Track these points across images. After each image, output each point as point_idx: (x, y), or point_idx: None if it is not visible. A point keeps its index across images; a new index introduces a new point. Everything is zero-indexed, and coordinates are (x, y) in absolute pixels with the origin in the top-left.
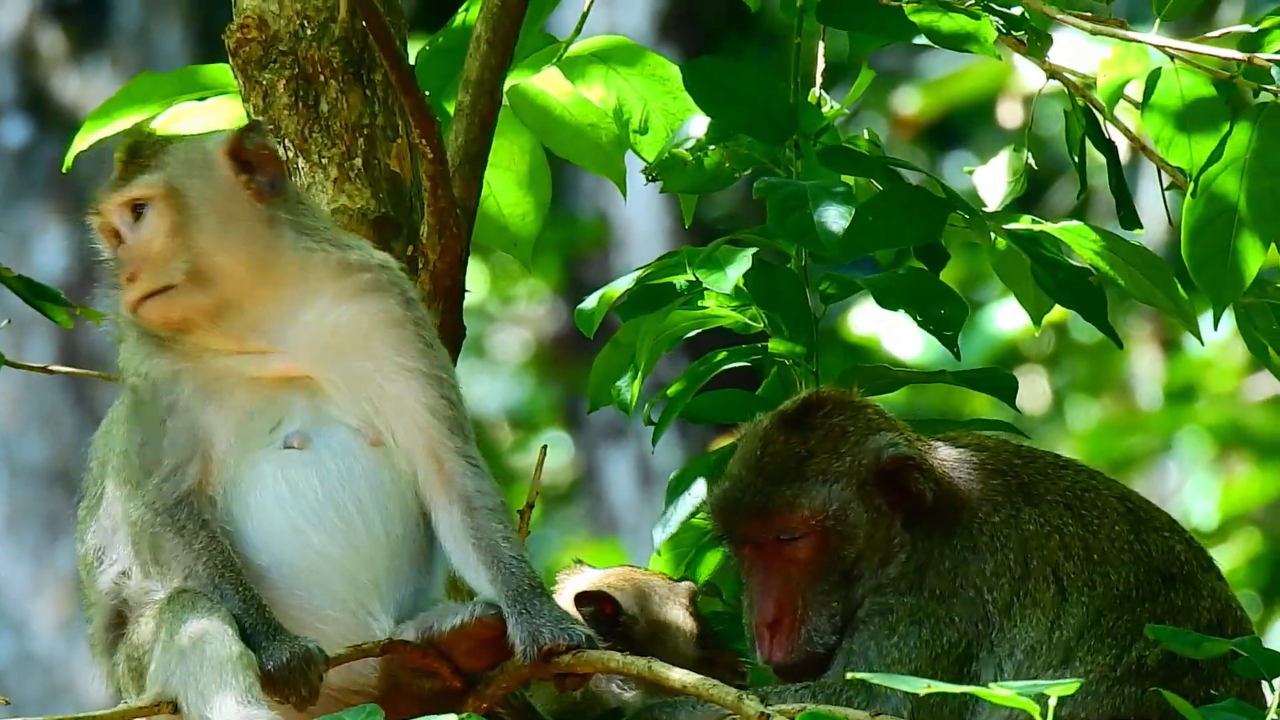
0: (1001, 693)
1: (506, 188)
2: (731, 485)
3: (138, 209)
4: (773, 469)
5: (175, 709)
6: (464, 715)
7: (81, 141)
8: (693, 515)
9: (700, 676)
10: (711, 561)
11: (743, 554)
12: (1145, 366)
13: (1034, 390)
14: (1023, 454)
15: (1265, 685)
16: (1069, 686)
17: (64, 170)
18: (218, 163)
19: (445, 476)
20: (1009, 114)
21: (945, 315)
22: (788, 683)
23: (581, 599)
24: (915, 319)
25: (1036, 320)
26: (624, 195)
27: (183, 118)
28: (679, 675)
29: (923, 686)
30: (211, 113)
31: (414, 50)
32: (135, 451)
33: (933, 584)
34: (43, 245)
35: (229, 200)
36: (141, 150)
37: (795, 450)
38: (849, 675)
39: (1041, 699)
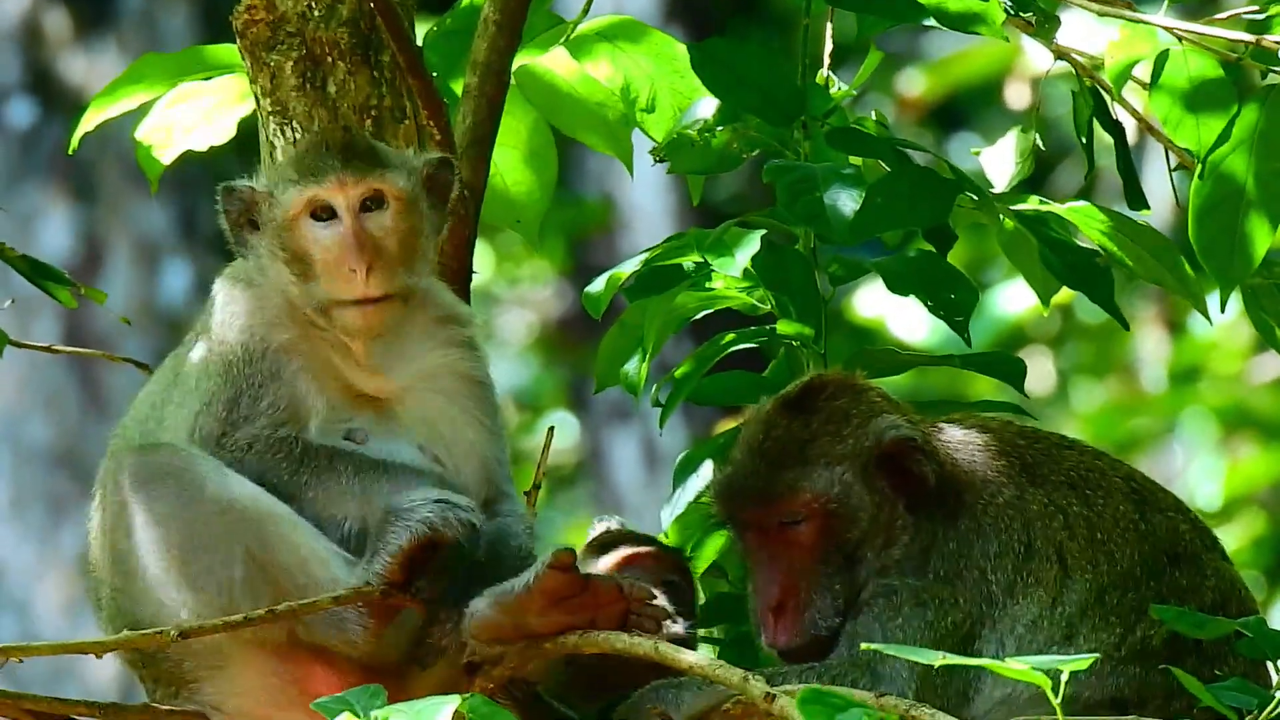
0: (1015, 666)
1: (513, 166)
2: (734, 470)
3: (372, 202)
4: (775, 453)
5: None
6: (468, 696)
7: (88, 122)
8: (699, 497)
9: (708, 657)
10: (717, 543)
11: (746, 539)
12: (1151, 348)
13: (1039, 371)
14: (1027, 434)
15: (1270, 665)
16: (1083, 661)
17: (70, 151)
18: (423, 187)
19: (493, 509)
20: (1016, 95)
21: (956, 300)
22: (795, 664)
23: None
24: (926, 304)
25: (1045, 301)
26: (631, 174)
27: (189, 98)
28: (687, 657)
29: (936, 658)
30: (218, 92)
31: (421, 31)
32: (224, 403)
33: (937, 565)
34: (47, 226)
35: (431, 226)
36: (373, 147)
37: (797, 434)
38: (863, 646)
39: (1053, 673)
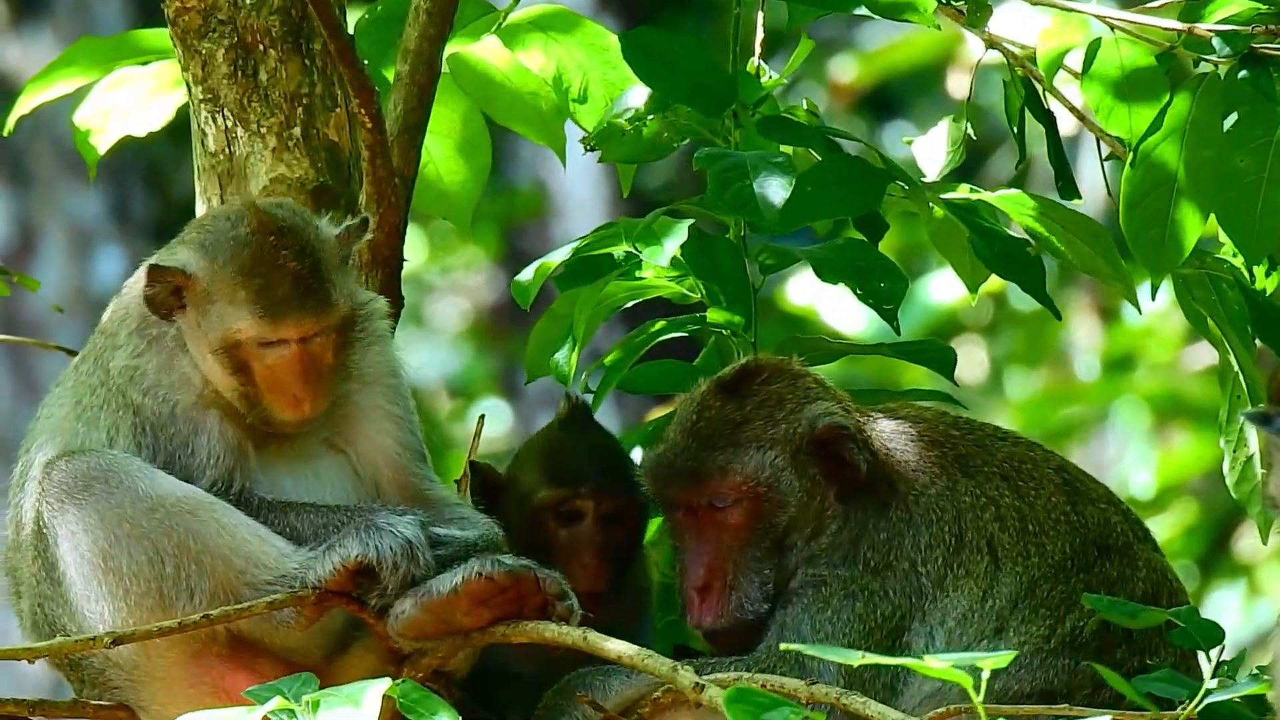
0: (935, 664)
1: (446, 155)
2: (666, 449)
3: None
4: (707, 434)
5: None
6: (399, 681)
7: (22, 105)
8: None
9: (636, 648)
10: (649, 529)
11: (675, 518)
12: (1083, 336)
13: (972, 360)
14: (960, 425)
15: (1201, 655)
16: (1003, 659)
17: (4, 134)
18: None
19: (412, 491)
20: (957, 84)
21: (885, 289)
22: (717, 649)
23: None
24: (855, 292)
25: (973, 290)
26: (563, 163)
27: (124, 83)
28: (614, 646)
29: (856, 657)
30: (153, 78)
31: (353, 19)
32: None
33: (867, 556)
34: None
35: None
36: (323, 280)
37: (731, 416)
38: (783, 647)
39: (974, 671)
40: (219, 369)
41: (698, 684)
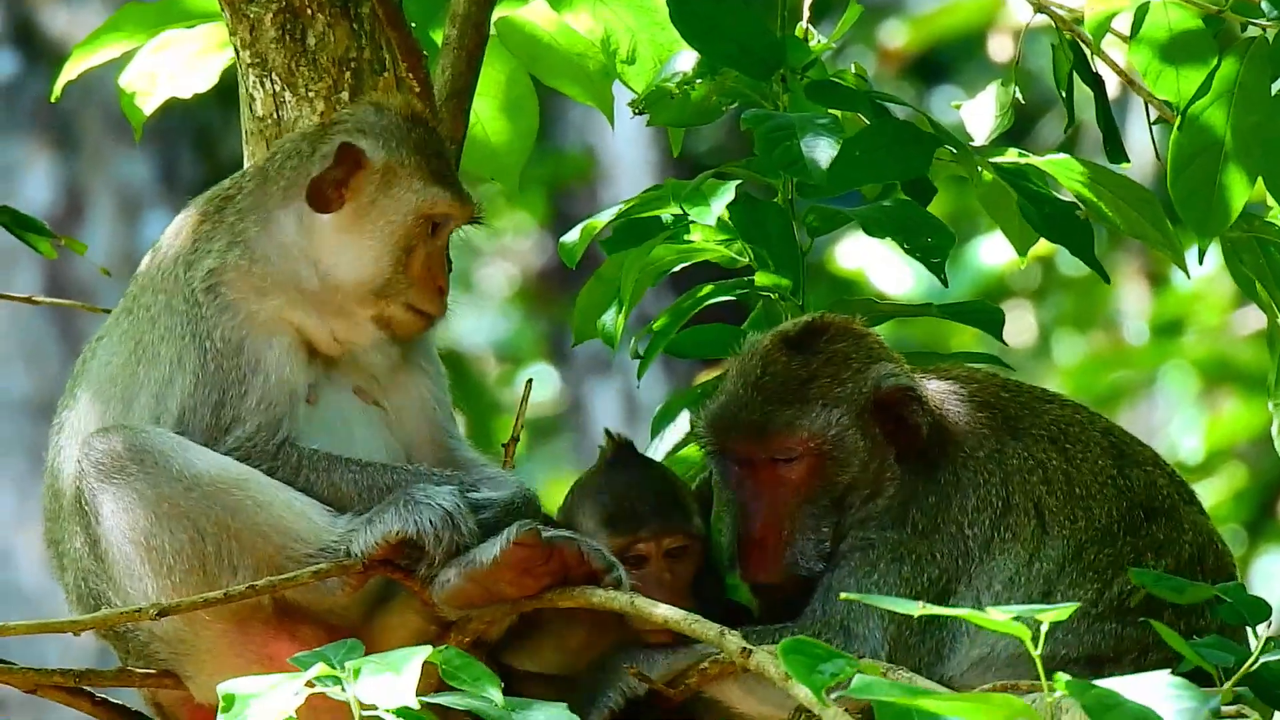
0: (996, 617)
1: (493, 116)
2: (729, 401)
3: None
4: (773, 389)
5: None
6: (440, 649)
7: (70, 70)
8: (677, 449)
9: (683, 612)
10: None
11: (732, 471)
12: (1132, 301)
13: (1020, 324)
14: (1010, 387)
15: (1249, 630)
16: (1062, 611)
17: (52, 99)
18: None
19: (443, 449)
20: (1000, 48)
21: (932, 243)
22: (765, 604)
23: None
24: (902, 247)
25: (1022, 253)
26: (612, 125)
27: (172, 45)
28: (661, 610)
29: (915, 608)
30: (199, 40)
31: None
32: (211, 408)
33: (915, 519)
34: (29, 178)
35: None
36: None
37: (797, 372)
38: (843, 596)
39: (1033, 625)
40: (384, 253)
41: (745, 649)
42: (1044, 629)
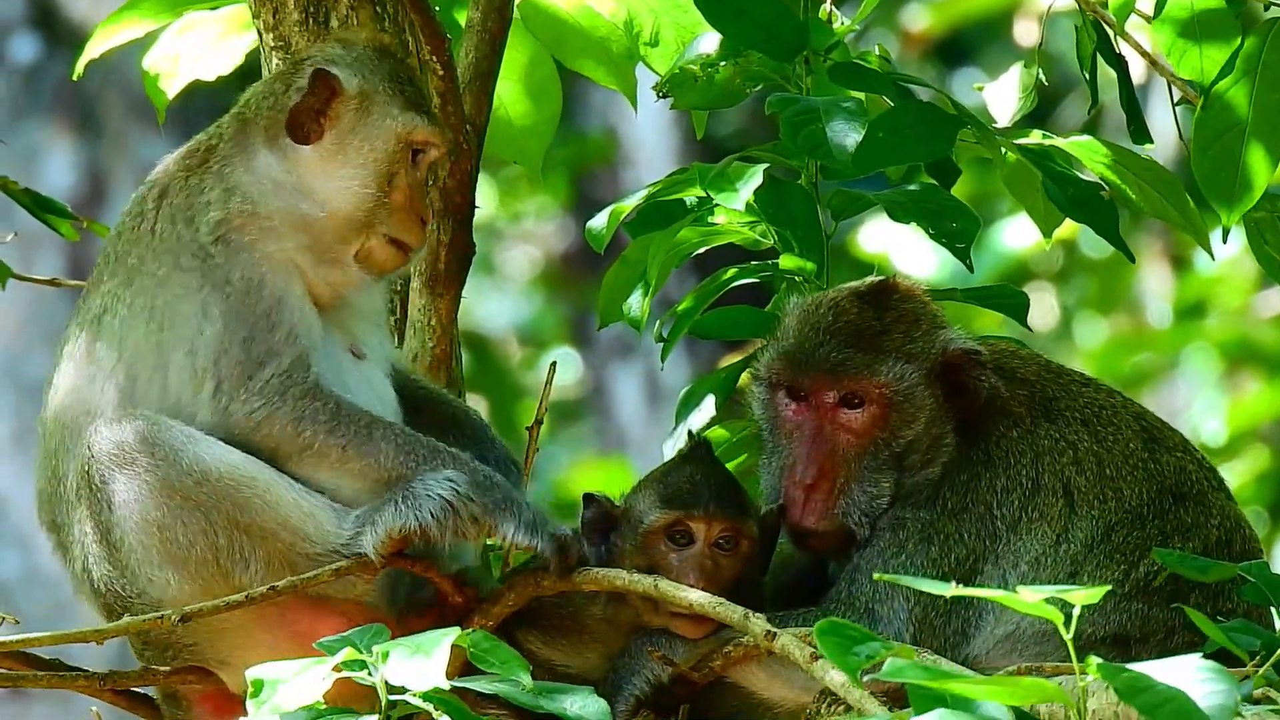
0: (1027, 598)
1: (517, 99)
2: (803, 340)
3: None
4: (848, 334)
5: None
6: (469, 631)
7: (92, 49)
8: (702, 431)
9: (709, 595)
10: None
11: (790, 412)
12: (1155, 283)
13: (1043, 307)
14: (1052, 368)
15: (1274, 610)
16: (1094, 594)
17: (74, 77)
18: None
19: (411, 389)
20: (1025, 32)
21: (957, 228)
22: (806, 552)
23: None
24: (927, 232)
25: (1046, 234)
26: (635, 108)
27: (196, 27)
28: (687, 594)
29: (947, 589)
30: (222, 22)
31: None
32: (240, 345)
33: (946, 497)
34: (51, 161)
35: None
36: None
37: (871, 324)
38: (876, 576)
39: (1064, 606)
40: (368, 180)
41: (770, 631)
42: (1075, 612)
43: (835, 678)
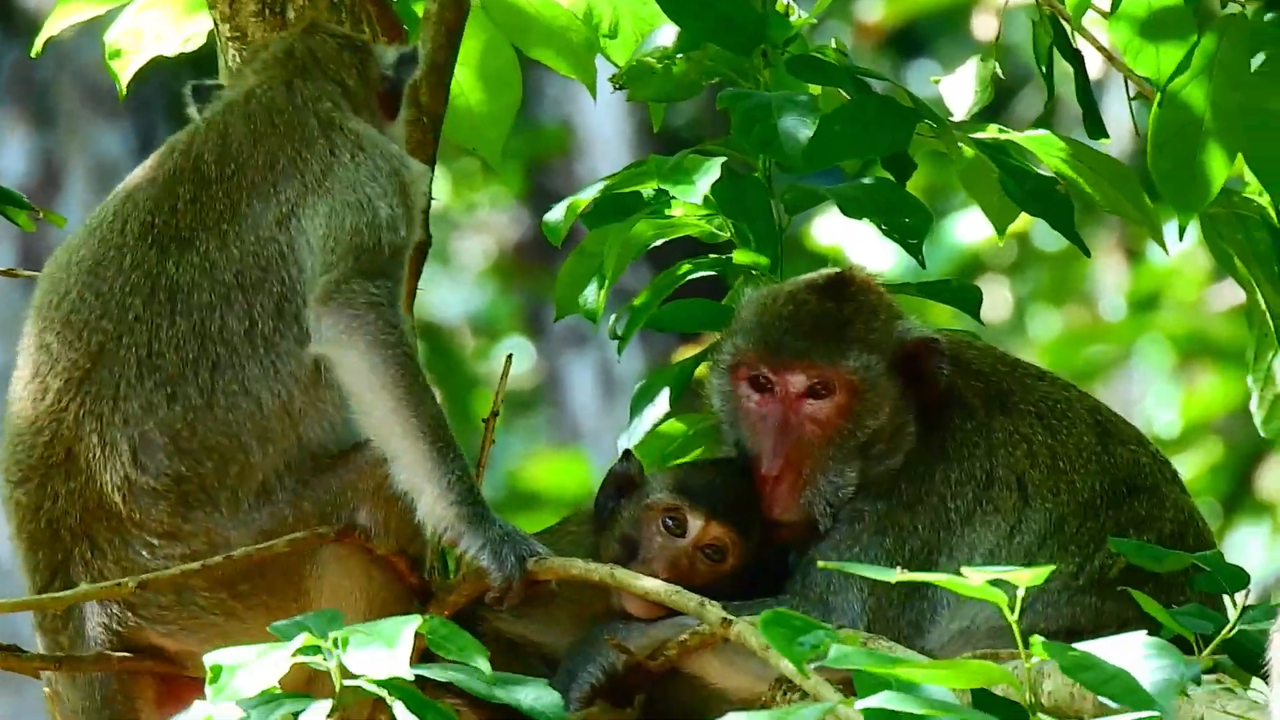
0: (973, 579)
1: (476, 86)
2: (766, 331)
3: None
4: (811, 325)
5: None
6: (427, 619)
7: (51, 26)
8: (657, 425)
9: (664, 584)
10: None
11: (754, 403)
12: (1109, 276)
13: (996, 299)
14: (1006, 361)
15: (1227, 599)
16: (1038, 575)
17: (33, 55)
18: None
19: None
20: (983, 25)
21: (910, 224)
22: (771, 543)
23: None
24: (880, 228)
25: (1000, 230)
26: (594, 97)
27: (158, 4)
28: (642, 582)
29: (894, 574)
30: (178, 3)
31: None
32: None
33: (902, 489)
34: (5, 150)
35: None
36: None
37: (833, 314)
38: (821, 565)
39: (1010, 591)
40: None
41: (726, 619)
42: (1020, 594)
43: (789, 665)
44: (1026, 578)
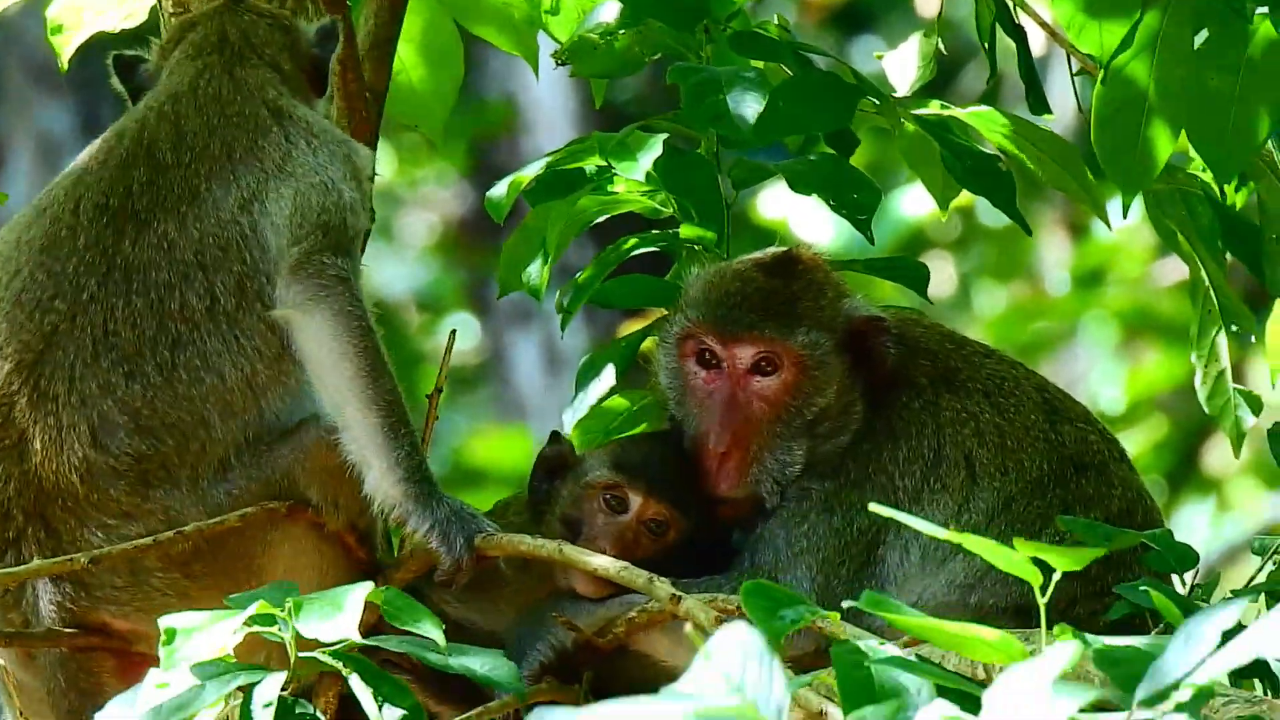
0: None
1: (418, 63)
2: (714, 308)
3: None
4: (759, 301)
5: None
6: (380, 589)
7: None
8: (602, 400)
9: (614, 561)
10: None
11: (701, 380)
12: (1053, 251)
13: (941, 275)
14: (954, 339)
15: (1175, 577)
16: (1076, 557)
17: None
18: None
19: None
20: (926, 2)
21: (858, 200)
22: (721, 517)
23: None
24: (829, 204)
25: (943, 205)
26: (536, 74)
27: None
28: (591, 559)
29: (941, 533)
30: None
31: None
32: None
33: (849, 467)
34: None
35: None
36: None
37: (781, 292)
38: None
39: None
40: None
41: (675, 595)
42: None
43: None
44: (1062, 560)
